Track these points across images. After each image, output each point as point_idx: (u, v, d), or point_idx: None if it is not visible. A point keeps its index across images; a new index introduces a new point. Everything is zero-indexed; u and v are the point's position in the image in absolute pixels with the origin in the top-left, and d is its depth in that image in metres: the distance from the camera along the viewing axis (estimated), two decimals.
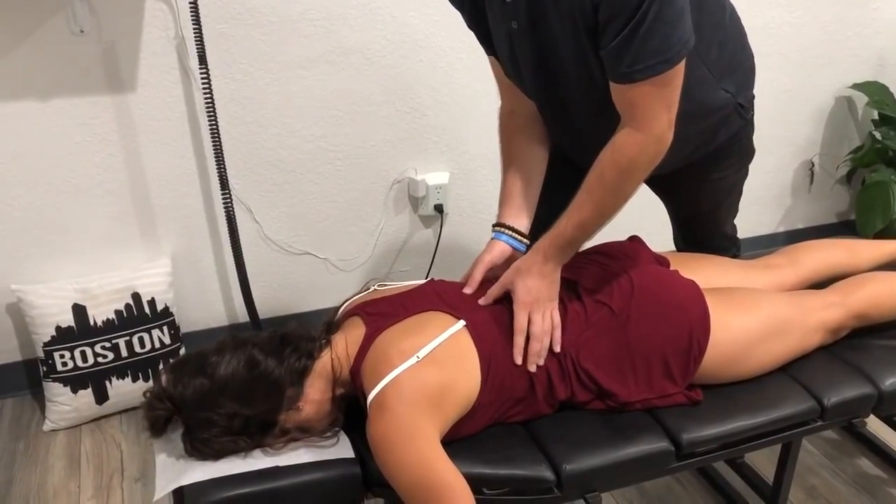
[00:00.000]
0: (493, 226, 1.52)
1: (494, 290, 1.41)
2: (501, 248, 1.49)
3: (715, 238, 1.79)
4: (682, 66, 1.25)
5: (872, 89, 2.91)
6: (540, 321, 1.34)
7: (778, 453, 1.76)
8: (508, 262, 1.47)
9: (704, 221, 1.77)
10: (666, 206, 1.79)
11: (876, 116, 2.98)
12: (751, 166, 2.96)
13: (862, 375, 1.51)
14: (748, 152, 1.66)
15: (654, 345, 1.37)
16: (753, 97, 1.58)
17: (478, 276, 1.45)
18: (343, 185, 2.41)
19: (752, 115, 1.59)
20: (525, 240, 1.50)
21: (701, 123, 1.50)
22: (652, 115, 1.27)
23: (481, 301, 1.40)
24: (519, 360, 1.32)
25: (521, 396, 1.34)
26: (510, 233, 1.50)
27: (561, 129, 1.54)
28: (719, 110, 1.50)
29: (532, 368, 1.32)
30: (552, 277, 1.39)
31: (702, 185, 1.66)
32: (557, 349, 1.35)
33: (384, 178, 2.46)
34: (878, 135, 2.92)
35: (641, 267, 1.49)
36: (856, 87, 2.93)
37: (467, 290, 1.42)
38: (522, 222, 1.51)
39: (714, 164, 1.60)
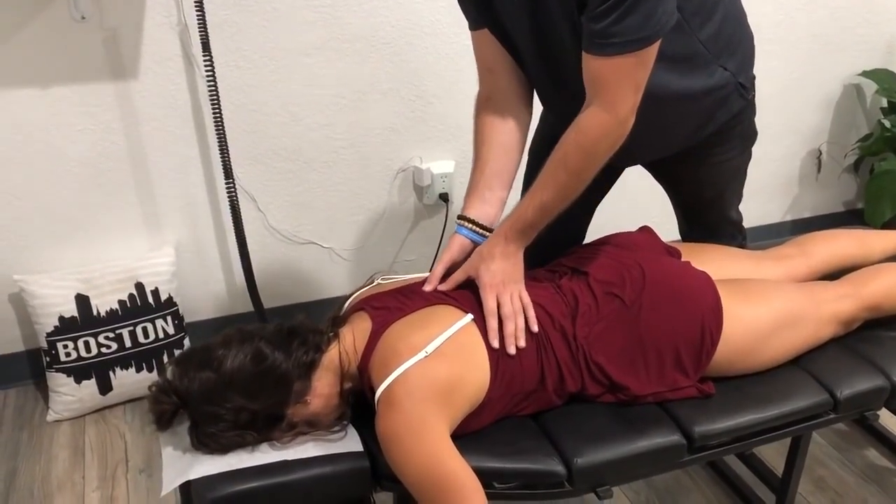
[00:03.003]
0: (457, 218, 1.49)
1: (457, 275, 1.39)
2: (461, 244, 1.46)
3: (721, 225, 1.77)
4: (655, 48, 1.23)
5: (881, 77, 2.88)
6: (509, 302, 1.32)
7: (787, 445, 1.74)
8: (469, 257, 1.44)
9: (710, 207, 1.74)
10: (670, 194, 1.77)
11: (885, 104, 2.95)
12: (758, 154, 2.94)
13: (875, 368, 1.50)
14: (751, 134, 1.63)
15: (667, 337, 1.36)
16: (754, 77, 1.56)
17: (438, 273, 1.42)
18: (347, 173, 2.39)
19: (754, 95, 1.57)
20: (487, 232, 1.46)
21: (699, 103, 1.47)
22: (619, 94, 1.26)
23: (442, 286, 1.38)
24: (495, 343, 1.29)
25: (531, 390, 1.33)
26: (471, 226, 1.46)
27: (557, 102, 1.50)
28: (719, 89, 1.47)
29: (511, 350, 1.30)
30: (515, 259, 1.37)
31: (705, 168, 1.63)
32: (535, 328, 1.33)
33: (389, 167, 2.44)
34: (886, 123, 2.89)
35: (653, 258, 1.47)
36: (865, 74, 2.90)
37: (427, 288, 1.39)
38: (487, 214, 1.47)
39: (717, 146, 1.58)
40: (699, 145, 1.56)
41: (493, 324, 1.31)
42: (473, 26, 1.48)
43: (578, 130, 1.30)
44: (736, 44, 1.48)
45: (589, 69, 1.27)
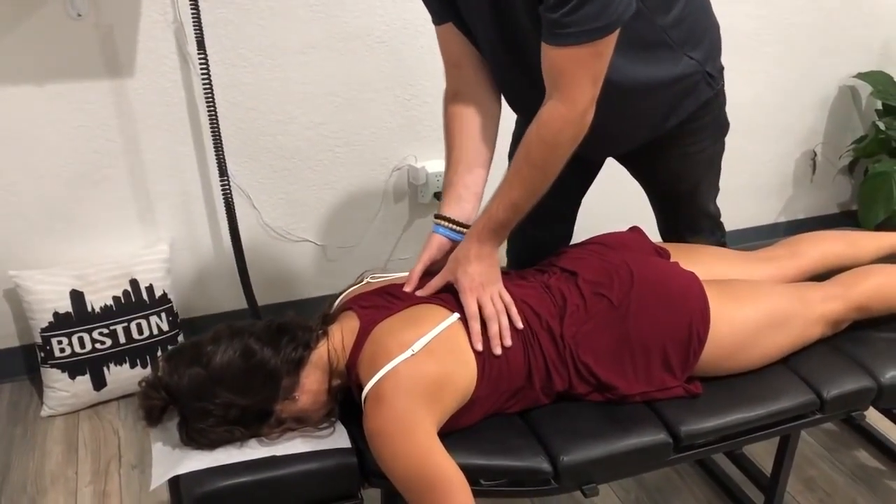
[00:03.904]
0: (434, 217, 1.49)
1: (436, 282, 1.39)
2: (439, 243, 1.46)
3: (699, 219, 1.76)
4: (612, 39, 1.23)
5: (877, 79, 2.89)
6: (490, 303, 1.33)
7: (776, 445, 1.75)
8: (448, 255, 1.44)
9: (687, 200, 1.73)
10: (647, 189, 1.76)
11: (879, 106, 2.96)
12: (752, 155, 2.94)
13: (862, 368, 1.51)
14: (723, 124, 1.64)
15: (654, 337, 1.36)
16: (722, 68, 1.56)
17: (417, 273, 1.42)
18: (342, 172, 2.39)
19: (723, 85, 1.57)
20: (465, 229, 1.46)
21: (665, 92, 1.48)
22: (577, 85, 1.26)
23: (420, 293, 1.38)
24: (479, 347, 1.29)
25: (518, 387, 1.34)
26: (448, 224, 1.46)
27: (523, 98, 1.49)
28: (685, 78, 1.47)
29: (497, 351, 1.30)
30: (491, 260, 1.38)
31: (679, 160, 1.63)
32: (520, 325, 1.33)
33: (384, 166, 2.44)
34: (881, 125, 2.90)
35: (641, 258, 1.48)
36: (860, 76, 2.91)
37: (407, 289, 1.40)
38: (463, 211, 1.47)
39: (689, 136, 1.58)
40: (671, 136, 1.56)
41: (475, 327, 1.31)
42: (437, 21, 1.48)
43: (539, 125, 1.30)
44: (701, 32, 1.48)
45: (547, 60, 1.27)
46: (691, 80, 1.48)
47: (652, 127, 1.53)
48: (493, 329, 1.31)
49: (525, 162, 1.33)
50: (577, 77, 1.25)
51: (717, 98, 1.57)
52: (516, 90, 1.51)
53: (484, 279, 1.35)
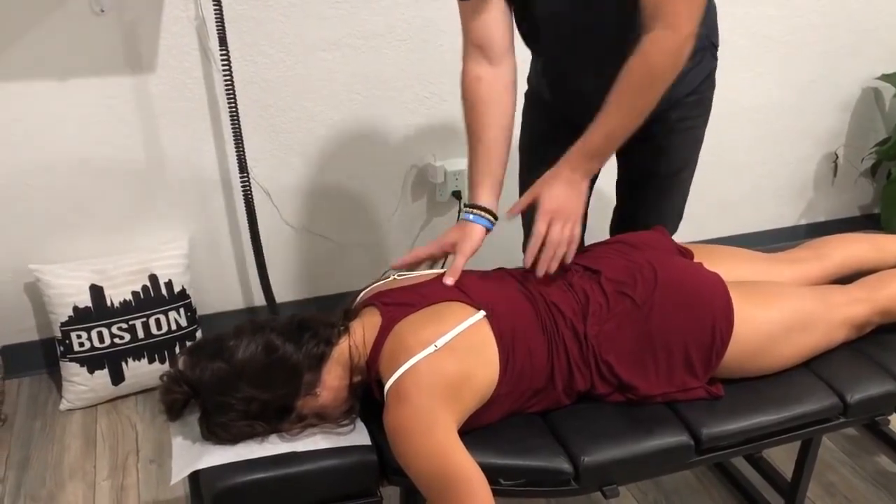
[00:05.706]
0: (469, 207, 1.47)
1: (524, 200, 1.41)
2: (482, 234, 1.46)
3: (672, 215, 1.73)
4: None
5: None
6: (559, 230, 1.34)
7: (797, 448, 1.74)
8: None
9: (670, 186, 1.70)
10: (627, 176, 1.72)
11: None
12: (773, 157, 2.91)
13: (887, 373, 1.49)
14: (710, 104, 1.65)
15: (677, 337, 1.35)
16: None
17: (460, 266, 1.41)
18: (361, 169, 2.39)
19: (717, 62, 1.59)
20: (494, 219, 1.47)
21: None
22: (682, 10, 1.28)
23: (446, 279, 1.37)
24: (529, 264, 1.30)
25: (540, 387, 1.33)
26: (486, 215, 1.46)
27: (579, 74, 1.49)
28: (697, 50, 1.47)
29: (539, 273, 1.30)
30: (579, 189, 1.38)
31: (676, 135, 1.62)
32: (569, 261, 1.35)
33: (402, 164, 2.44)
34: None
35: (666, 258, 1.46)
36: (883, 78, 2.88)
37: (449, 281, 1.38)
38: (492, 201, 1.48)
39: (687, 109, 1.59)
40: (672, 108, 1.55)
41: (534, 247, 1.33)
42: None
43: (643, 52, 1.31)
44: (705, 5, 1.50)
45: None
46: (699, 47, 1.48)
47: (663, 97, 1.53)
48: (548, 254, 1.33)
49: (625, 91, 1.34)
50: (683, 3, 1.28)
51: (713, 75, 1.59)
52: (576, 61, 1.51)
53: (565, 203, 1.36)
